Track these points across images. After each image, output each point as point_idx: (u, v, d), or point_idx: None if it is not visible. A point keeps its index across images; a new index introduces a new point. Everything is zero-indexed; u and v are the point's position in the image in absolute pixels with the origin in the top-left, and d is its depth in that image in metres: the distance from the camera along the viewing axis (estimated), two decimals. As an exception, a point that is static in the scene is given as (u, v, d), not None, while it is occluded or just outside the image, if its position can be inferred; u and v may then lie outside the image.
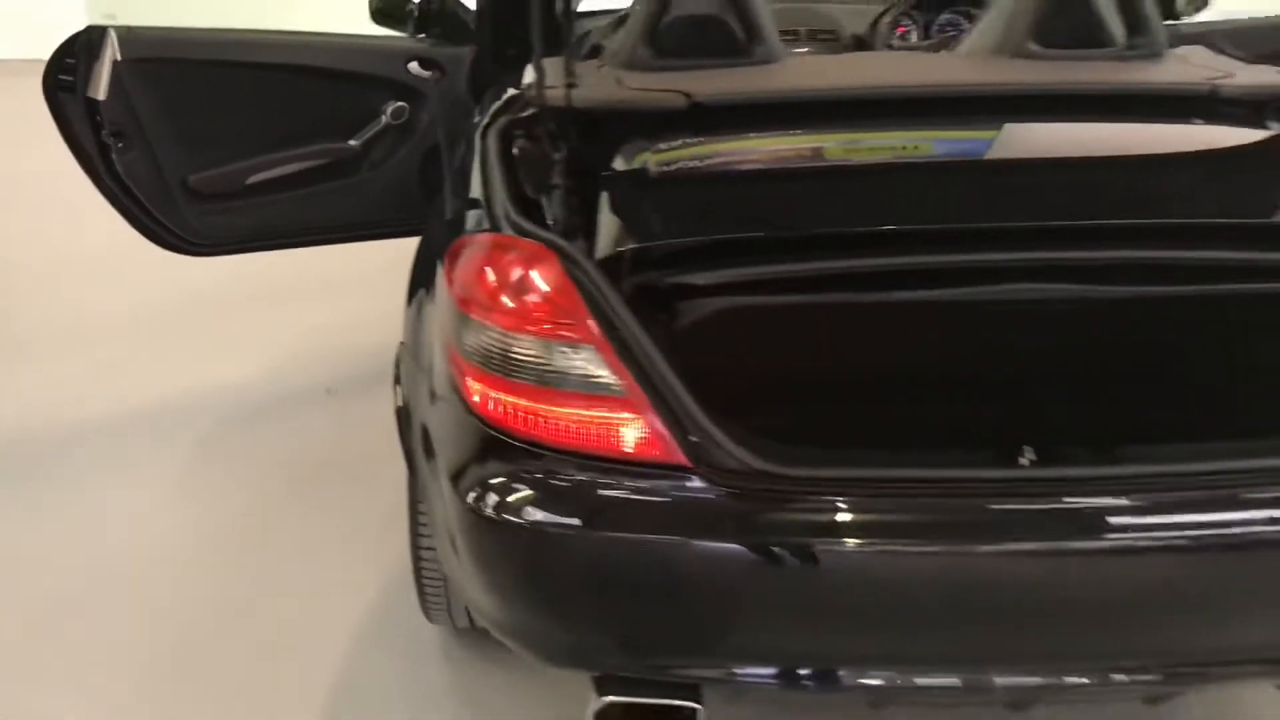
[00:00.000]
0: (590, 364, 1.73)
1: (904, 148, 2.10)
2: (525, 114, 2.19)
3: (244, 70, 3.33)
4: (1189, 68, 2.33)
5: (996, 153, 2.09)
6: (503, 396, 1.79)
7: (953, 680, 1.82)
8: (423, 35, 3.48)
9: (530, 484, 1.75)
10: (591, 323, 1.72)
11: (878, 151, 2.10)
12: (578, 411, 1.74)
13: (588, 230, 1.90)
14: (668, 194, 2.01)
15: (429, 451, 1.96)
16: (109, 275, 4.77)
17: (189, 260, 3.52)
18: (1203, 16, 3.63)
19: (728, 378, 1.80)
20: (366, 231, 3.65)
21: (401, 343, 2.24)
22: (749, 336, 1.85)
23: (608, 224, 1.90)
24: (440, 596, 2.36)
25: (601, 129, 2.15)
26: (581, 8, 3.81)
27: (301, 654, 2.54)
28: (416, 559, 2.33)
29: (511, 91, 2.49)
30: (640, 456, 1.73)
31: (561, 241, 1.79)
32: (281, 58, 3.36)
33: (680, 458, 1.72)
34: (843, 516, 1.72)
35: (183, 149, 3.32)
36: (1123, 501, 1.73)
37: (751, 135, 2.14)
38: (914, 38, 3.70)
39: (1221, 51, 2.62)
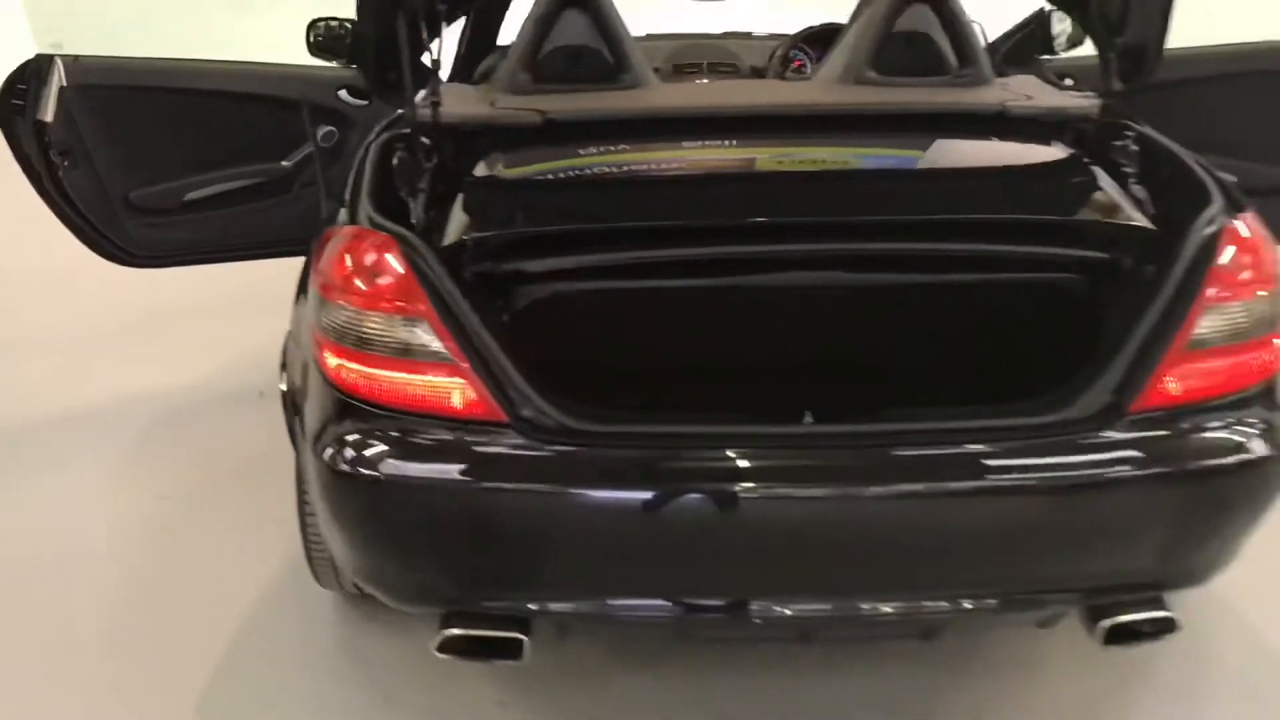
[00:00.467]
0: (425, 336, 2.01)
1: (712, 158, 2.40)
2: (403, 130, 2.48)
3: (182, 96, 3.58)
4: (996, 92, 2.63)
5: (791, 160, 2.39)
6: (352, 365, 2.07)
7: (745, 608, 2.09)
8: (354, 66, 3.76)
9: (374, 440, 2.03)
10: (426, 301, 2.01)
11: (689, 161, 2.40)
12: (414, 377, 2.02)
13: (438, 225, 2.20)
14: (506, 195, 2.31)
15: (303, 425, 2.24)
16: (61, 288, 5.02)
17: (140, 275, 3.75)
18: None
19: (545, 348, 2.09)
20: (299, 247, 3.89)
21: (289, 332, 2.52)
22: (564, 314, 2.16)
23: (455, 220, 2.21)
24: (326, 562, 2.63)
25: (464, 142, 2.46)
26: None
27: (209, 619, 2.80)
28: (304, 529, 2.60)
29: (398, 112, 2.78)
30: (467, 415, 2.01)
31: (406, 232, 2.08)
32: (218, 85, 3.59)
33: (501, 415, 2.00)
34: (641, 465, 2.00)
35: (124, 167, 3.55)
36: (884, 452, 2.01)
37: (589, 147, 2.44)
38: (809, 69, 3.99)
39: (1048, 80, 2.93)
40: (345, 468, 2.03)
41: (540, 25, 2.73)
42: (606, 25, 2.71)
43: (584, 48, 2.72)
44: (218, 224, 3.77)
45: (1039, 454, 2.01)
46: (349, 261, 2.09)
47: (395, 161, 2.38)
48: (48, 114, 3.35)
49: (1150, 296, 2.06)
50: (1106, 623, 2.11)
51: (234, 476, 3.44)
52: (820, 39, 3.84)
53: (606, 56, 2.71)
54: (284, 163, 3.77)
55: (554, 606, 2.09)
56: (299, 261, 2.45)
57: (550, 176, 2.41)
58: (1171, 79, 3.37)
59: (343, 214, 2.27)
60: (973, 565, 2.06)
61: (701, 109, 2.56)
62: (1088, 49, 4.01)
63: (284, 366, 2.51)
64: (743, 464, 1.99)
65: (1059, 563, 2.07)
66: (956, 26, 2.74)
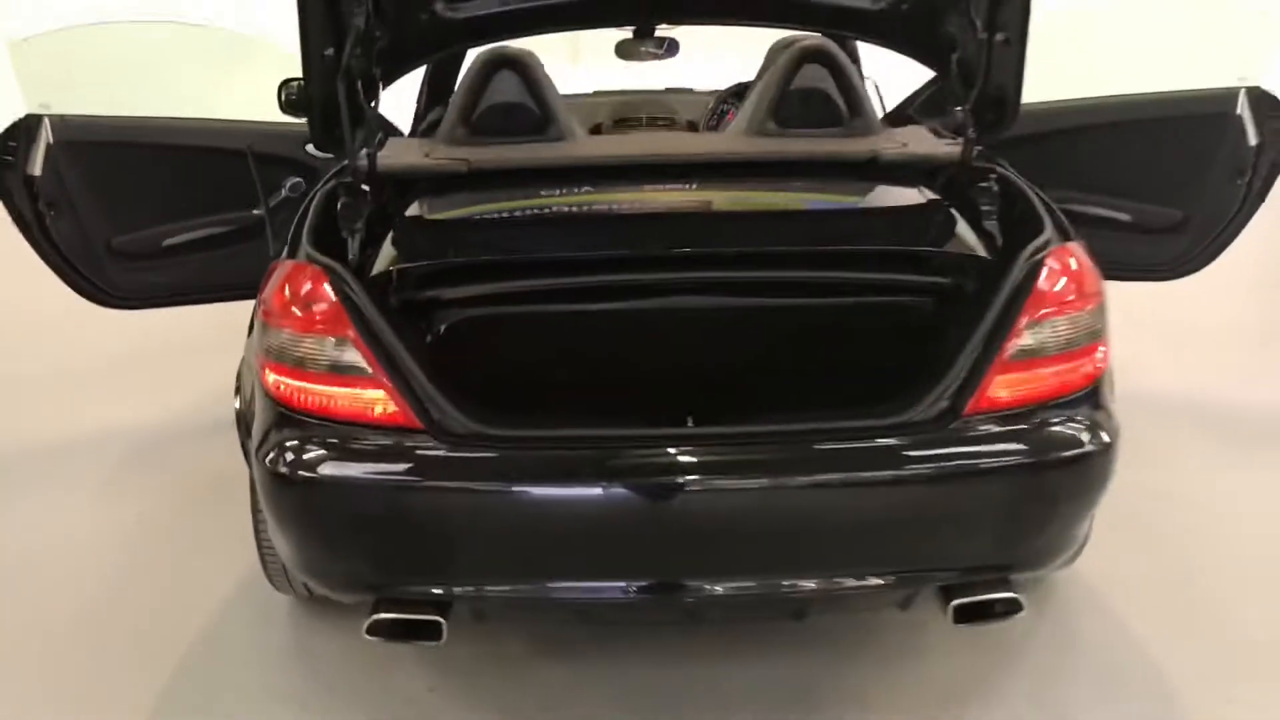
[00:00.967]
0: (351, 355, 2.33)
1: (611, 200, 2.73)
2: (347, 178, 2.80)
3: (161, 150, 3.89)
4: (876, 141, 2.96)
5: (676, 200, 2.72)
6: (289, 381, 2.38)
7: (634, 590, 2.38)
8: None
9: (307, 446, 2.34)
10: (352, 325, 2.32)
11: (591, 202, 2.72)
12: (342, 390, 2.34)
13: (369, 259, 2.52)
14: (428, 233, 2.64)
15: (251, 439, 2.54)
16: (50, 329, 5.31)
17: (123, 316, 4.04)
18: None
19: (460, 364, 2.41)
20: None
21: (243, 359, 2.83)
22: (476, 334, 2.49)
23: (384, 254, 2.54)
24: (278, 567, 2.92)
25: (398, 188, 2.79)
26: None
27: (173, 621, 3.09)
28: (258, 537, 2.89)
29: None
30: (387, 422, 2.32)
31: (337, 265, 2.40)
32: (195, 140, 3.90)
33: (416, 423, 2.30)
34: (540, 464, 2.31)
35: (106, 216, 3.83)
36: (755, 450, 2.32)
37: (505, 191, 2.78)
38: (737, 121, 4.32)
39: (935, 131, 3.26)
40: (283, 470, 2.34)
41: (476, 84, 3.07)
42: (535, 85, 3.05)
43: (515, 104, 3.05)
44: (195, 268, 4.04)
45: (886, 451, 2.31)
46: (287, 291, 2.41)
47: (339, 205, 2.70)
48: (36, 169, 3.64)
49: (982, 315, 2.37)
50: (955, 602, 2.39)
51: (205, 498, 3.73)
52: (744, 93, 4.18)
53: (535, 112, 3.04)
54: (255, 211, 4.06)
55: (466, 591, 2.39)
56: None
57: (467, 217, 2.74)
58: (1064, 128, 3.73)
59: (286, 250, 2.59)
60: (830, 549, 2.36)
61: (609, 158, 2.90)
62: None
63: (238, 390, 2.82)
64: (630, 461, 2.29)
65: (906, 547, 2.37)
66: (846, 83, 3.07)
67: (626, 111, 4.45)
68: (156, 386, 4.70)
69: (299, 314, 2.37)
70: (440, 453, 2.30)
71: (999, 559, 2.42)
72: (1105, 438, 2.38)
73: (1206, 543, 3.38)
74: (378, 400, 2.32)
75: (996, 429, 2.34)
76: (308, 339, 2.36)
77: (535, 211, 2.77)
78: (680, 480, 2.27)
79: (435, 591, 2.39)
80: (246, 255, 4.04)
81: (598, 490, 2.29)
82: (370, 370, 2.31)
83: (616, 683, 2.80)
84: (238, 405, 2.77)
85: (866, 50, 3.89)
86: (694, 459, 2.29)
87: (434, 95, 4.18)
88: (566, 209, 2.71)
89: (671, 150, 3.05)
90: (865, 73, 4.16)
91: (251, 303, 2.58)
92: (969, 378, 2.34)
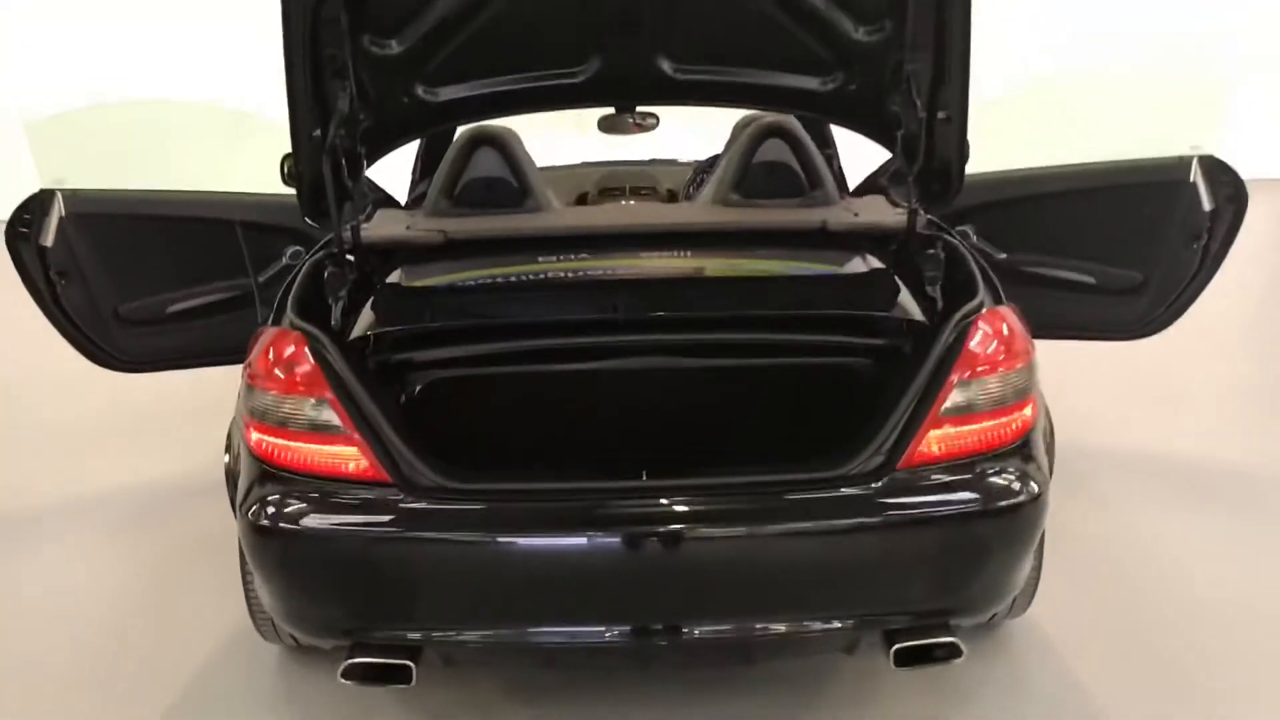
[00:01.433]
0: (327, 415, 2.51)
1: (577, 268, 2.91)
2: (334, 249, 2.99)
3: (167, 221, 4.10)
4: (830, 211, 3.14)
5: (636, 267, 2.91)
6: (270, 439, 2.56)
7: (593, 635, 2.53)
8: None
9: (285, 500, 2.51)
10: (329, 388, 2.51)
11: (559, 270, 2.91)
12: (317, 447, 2.52)
13: (349, 324, 2.71)
14: (403, 300, 2.83)
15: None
16: (60, 391, 5.55)
17: (130, 379, 4.22)
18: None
19: (429, 422, 2.59)
20: None
21: (234, 419, 3.01)
22: (446, 394, 2.67)
23: (362, 320, 2.73)
24: (266, 618, 3.07)
25: (380, 258, 2.99)
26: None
27: (167, 669, 3.25)
28: (246, 589, 3.05)
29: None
30: (359, 477, 2.50)
31: (317, 331, 2.59)
32: (199, 212, 4.09)
33: (384, 476, 2.48)
34: (501, 516, 2.48)
35: (114, 284, 4.02)
36: (707, 502, 2.48)
37: (479, 261, 2.97)
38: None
39: (893, 201, 3.45)
40: (263, 522, 2.51)
41: (458, 159, 3.28)
42: (514, 160, 3.26)
43: (494, 179, 3.26)
44: (198, 332, 4.22)
45: (824, 502, 2.47)
46: (270, 355, 2.60)
47: (325, 274, 2.89)
48: (49, 240, 3.83)
49: (915, 375, 2.54)
50: (897, 646, 2.53)
51: (200, 554, 3.89)
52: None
53: (513, 185, 3.25)
54: (259, 279, 4.25)
55: (433, 635, 2.54)
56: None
57: (440, 284, 2.94)
58: (1029, 194, 3.91)
59: (273, 317, 2.79)
60: (772, 596, 2.51)
61: (577, 229, 3.10)
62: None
63: (228, 448, 3.00)
64: (585, 513, 2.46)
65: (846, 593, 2.52)
66: (805, 157, 3.27)
67: (611, 181, 4.65)
68: (159, 448, 4.88)
69: (280, 376, 2.56)
70: (405, 504, 2.47)
71: (937, 604, 2.56)
72: (1035, 488, 2.53)
73: (1160, 593, 3.50)
74: (351, 456, 2.50)
75: (929, 481, 2.49)
76: (288, 400, 2.54)
77: (504, 279, 2.97)
78: (631, 531, 2.44)
79: (404, 636, 2.54)
80: (247, 320, 4.22)
81: (553, 540, 2.46)
82: (344, 428, 2.49)
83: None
84: (227, 461, 2.95)
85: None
86: (645, 511, 2.45)
87: (426, 168, 4.40)
88: (533, 276, 2.90)
89: (636, 221, 3.25)
90: (838, 143, 4.37)
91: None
92: (903, 433, 2.50)
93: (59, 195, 3.82)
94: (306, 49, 2.79)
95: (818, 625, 2.54)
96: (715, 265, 2.99)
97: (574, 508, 2.46)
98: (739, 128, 3.56)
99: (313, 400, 2.52)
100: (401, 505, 2.47)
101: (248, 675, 3.23)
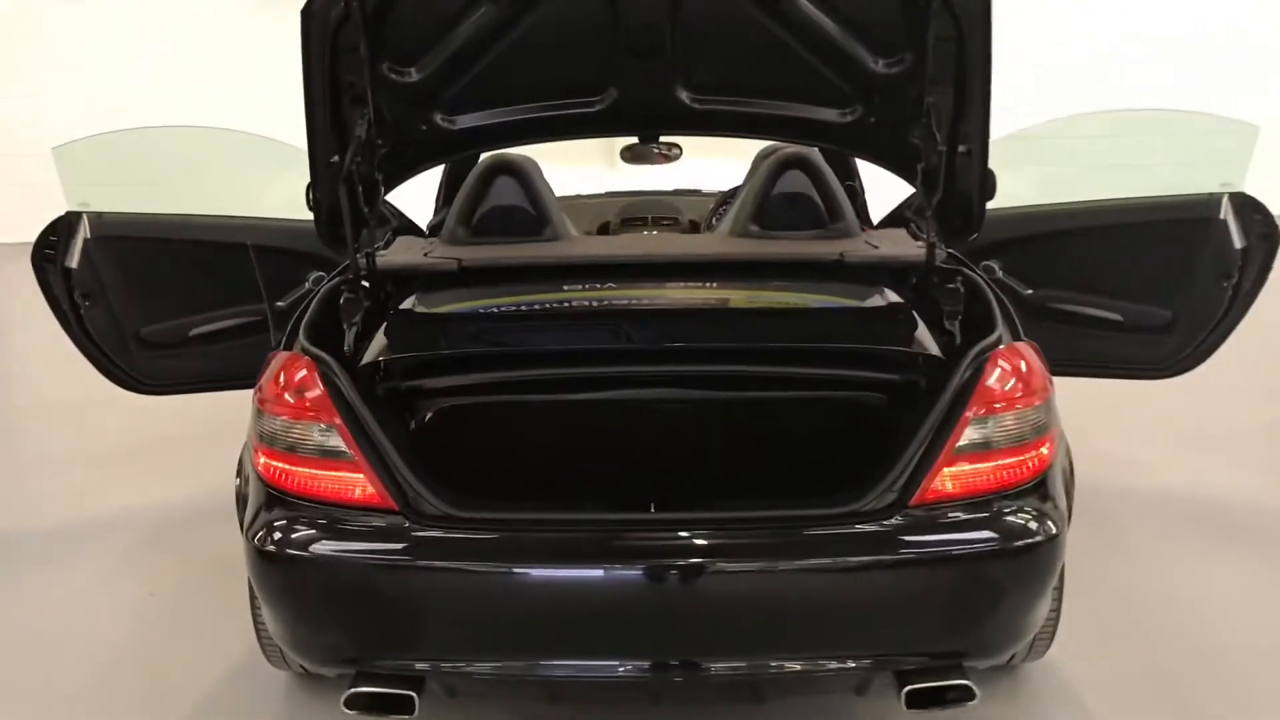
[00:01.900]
0: (334, 440, 2.49)
1: (590, 298, 2.90)
2: (350, 275, 3.00)
3: (190, 245, 4.12)
4: (847, 244, 3.12)
5: (650, 298, 2.89)
6: (278, 464, 2.55)
7: (601, 669, 2.49)
8: None
9: (292, 525, 2.50)
10: (337, 414, 2.49)
11: (573, 300, 2.89)
12: (324, 472, 2.50)
13: (360, 350, 2.71)
14: (415, 327, 2.82)
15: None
16: (79, 413, 5.58)
17: (151, 401, 4.23)
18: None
19: (438, 449, 2.57)
20: None
21: (245, 443, 3.00)
22: (455, 421, 2.64)
23: (374, 347, 2.72)
24: (274, 644, 3.05)
25: (395, 285, 2.99)
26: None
27: (176, 694, 3.24)
28: (254, 615, 3.03)
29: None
30: (365, 504, 2.48)
31: (327, 357, 2.58)
32: (222, 236, 4.11)
33: (390, 504, 2.46)
34: (506, 546, 2.45)
35: (137, 307, 4.04)
36: (715, 536, 2.45)
37: (493, 289, 2.96)
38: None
39: (915, 234, 3.41)
40: (269, 548, 2.50)
41: (477, 188, 3.28)
42: (532, 189, 3.26)
43: (512, 207, 3.26)
44: (220, 357, 4.22)
45: (834, 538, 2.43)
46: (280, 380, 2.59)
47: (341, 300, 2.89)
48: (74, 262, 3.86)
49: (929, 410, 2.50)
50: (908, 688, 2.48)
51: (213, 579, 3.88)
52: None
53: (531, 214, 3.24)
54: (280, 303, 4.26)
55: (437, 666, 2.51)
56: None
57: (452, 312, 2.93)
58: (1057, 230, 3.86)
59: (286, 341, 2.78)
60: (781, 633, 2.46)
61: (592, 258, 3.08)
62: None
63: (239, 472, 2.99)
64: (590, 546, 2.43)
65: (856, 632, 2.47)
66: (825, 188, 3.24)
67: (633, 211, 4.66)
68: (177, 471, 4.90)
69: (290, 401, 2.55)
70: (412, 533, 2.44)
71: (950, 646, 2.51)
72: (1052, 528, 2.48)
73: (1184, 639, 3.42)
74: (357, 483, 2.48)
75: (943, 519, 2.44)
76: (297, 425, 2.53)
77: (517, 307, 2.95)
78: (639, 564, 2.40)
79: (409, 666, 2.51)
80: (268, 345, 4.27)
81: (561, 572, 2.42)
82: (351, 455, 2.48)
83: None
84: (238, 485, 2.94)
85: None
86: (653, 544, 2.42)
87: (448, 196, 4.41)
88: (545, 305, 2.89)
89: (650, 251, 3.24)
90: (865, 175, 4.35)
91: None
92: (916, 469, 2.46)
93: (85, 218, 3.86)
94: (325, 76, 2.80)
95: (829, 664, 2.49)
96: (730, 297, 2.97)
97: (582, 539, 2.44)
98: (760, 158, 3.54)
99: (321, 425, 2.50)
100: (407, 533, 2.45)
101: (255, 701, 3.21)
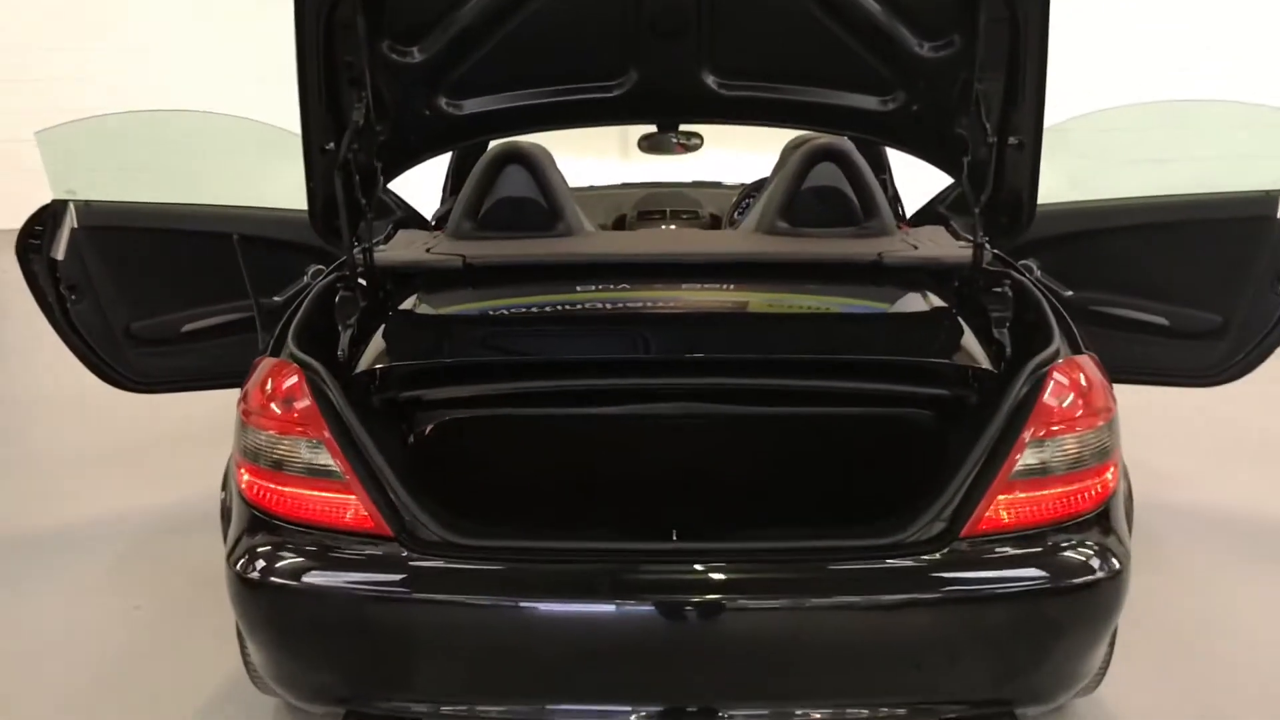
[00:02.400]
0: (324, 459, 2.26)
1: (605, 301, 2.66)
2: (345, 271, 2.77)
3: (183, 236, 3.90)
4: (885, 242, 2.87)
5: (671, 301, 2.65)
6: (263, 483, 2.32)
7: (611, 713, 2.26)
8: None
9: (277, 551, 2.27)
10: (327, 428, 2.26)
11: (586, 303, 2.66)
12: (312, 493, 2.27)
13: (355, 356, 2.47)
14: (415, 329, 2.58)
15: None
16: (65, 412, 5.38)
17: (142, 400, 4.02)
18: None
19: (439, 467, 2.33)
20: None
21: (231, 454, 2.78)
22: (458, 437, 2.40)
23: (370, 352, 2.48)
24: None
25: (395, 283, 2.75)
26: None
27: (158, 713, 3.02)
28: (240, 639, 2.81)
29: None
30: (355, 528, 2.25)
31: (317, 364, 2.35)
32: (218, 226, 3.90)
33: (385, 529, 2.23)
34: (513, 578, 2.21)
35: (126, 301, 3.84)
36: (742, 570, 2.21)
37: (501, 289, 2.72)
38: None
39: (955, 232, 3.17)
40: (253, 576, 2.27)
41: (484, 178, 3.04)
42: (544, 180, 3.02)
43: (523, 199, 3.02)
44: (214, 353, 4.02)
45: (877, 573, 2.19)
46: (264, 390, 2.36)
47: (337, 299, 2.66)
48: (60, 253, 3.67)
49: (982, 431, 2.25)
50: None
51: (204, 591, 3.63)
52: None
53: (543, 207, 3.00)
54: (276, 298, 4.04)
55: (434, 709, 2.28)
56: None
57: (456, 314, 2.69)
58: (1098, 228, 3.63)
59: (272, 345, 2.55)
60: (817, 677, 2.22)
61: (608, 257, 2.84)
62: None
63: (224, 485, 2.77)
64: (607, 578, 2.19)
65: (898, 677, 2.23)
66: (860, 182, 3.00)
67: (651, 204, 4.42)
68: (170, 473, 4.68)
69: (276, 413, 2.32)
70: (406, 561, 2.21)
71: (999, 693, 2.27)
72: (1115, 564, 2.24)
73: (1237, 670, 3.18)
74: (348, 505, 2.25)
75: (996, 553, 2.21)
76: (284, 440, 2.31)
77: (526, 310, 2.72)
78: (658, 599, 2.17)
79: (403, 709, 2.30)
80: (265, 341, 4.05)
81: (571, 608, 2.19)
82: (342, 474, 2.25)
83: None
84: (223, 498, 2.72)
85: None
86: (674, 578, 2.19)
87: (455, 186, 4.18)
88: (557, 308, 2.65)
89: (672, 250, 2.99)
90: (894, 170, 4.10)
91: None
92: (968, 497, 2.22)
93: (71, 207, 3.66)
94: (320, 55, 2.57)
95: (865, 712, 2.25)
96: (758, 301, 2.71)
97: (595, 572, 2.20)
98: (788, 150, 3.31)
99: (309, 441, 2.27)
100: (403, 562, 2.22)
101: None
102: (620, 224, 4.42)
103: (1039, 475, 2.24)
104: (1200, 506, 4.29)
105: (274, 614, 2.29)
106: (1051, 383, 2.28)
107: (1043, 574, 2.21)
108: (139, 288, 3.87)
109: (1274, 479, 4.56)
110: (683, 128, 3.60)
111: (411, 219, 3.82)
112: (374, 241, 2.77)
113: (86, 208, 3.68)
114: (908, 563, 2.19)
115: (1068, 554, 2.23)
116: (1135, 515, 2.56)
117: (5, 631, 3.50)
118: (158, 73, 9.98)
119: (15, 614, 3.61)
